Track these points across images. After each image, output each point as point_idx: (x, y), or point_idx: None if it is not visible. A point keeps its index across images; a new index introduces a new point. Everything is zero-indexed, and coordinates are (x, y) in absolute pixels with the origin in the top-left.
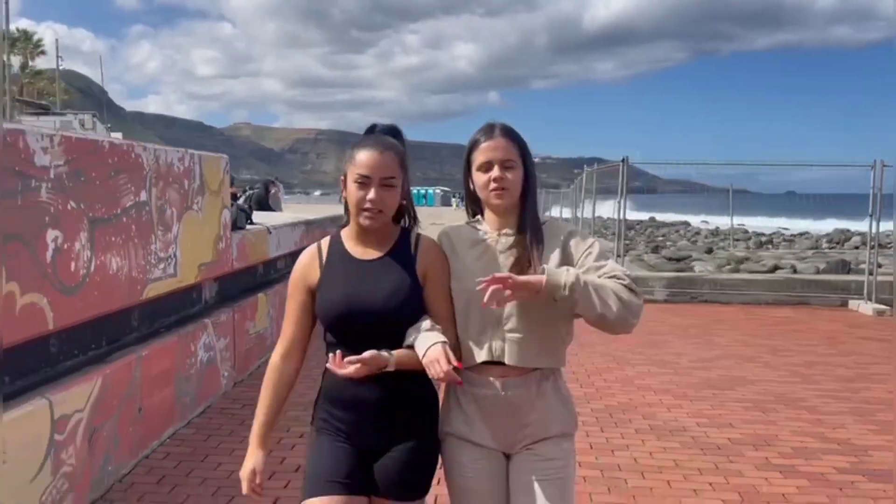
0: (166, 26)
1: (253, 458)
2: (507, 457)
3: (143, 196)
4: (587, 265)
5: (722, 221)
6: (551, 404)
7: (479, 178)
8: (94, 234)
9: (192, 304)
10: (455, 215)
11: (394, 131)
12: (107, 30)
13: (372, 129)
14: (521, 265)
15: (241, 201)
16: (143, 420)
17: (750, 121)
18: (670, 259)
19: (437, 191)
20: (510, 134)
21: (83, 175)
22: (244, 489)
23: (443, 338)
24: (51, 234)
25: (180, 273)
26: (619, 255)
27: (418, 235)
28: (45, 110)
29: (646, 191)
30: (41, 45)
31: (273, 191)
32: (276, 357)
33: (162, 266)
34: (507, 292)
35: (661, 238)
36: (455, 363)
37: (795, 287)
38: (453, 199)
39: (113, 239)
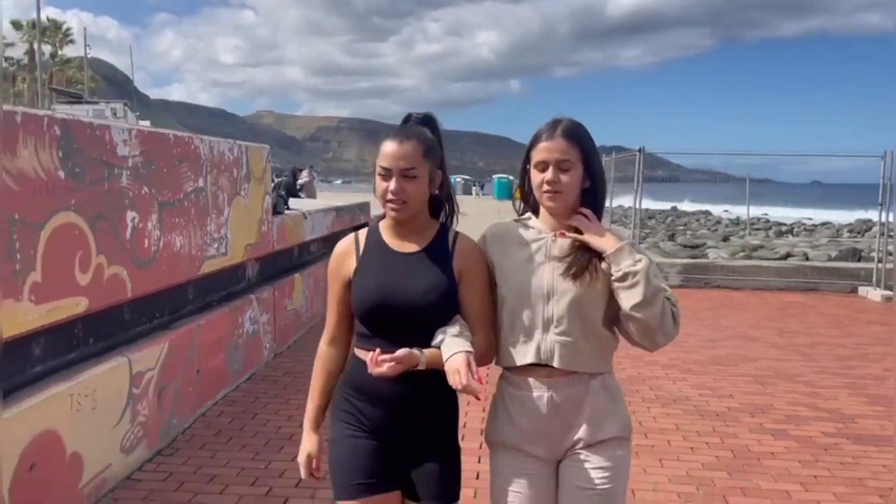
0: (190, 14)
1: (309, 443)
2: (557, 463)
3: (201, 182)
4: None
5: (743, 211)
6: (601, 405)
7: (534, 176)
8: (163, 216)
9: (238, 282)
10: (476, 204)
11: (428, 121)
12: (131, 18)
13: (407, 119)
14: (574, 268)
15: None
16: (200, 381)
17: (776, 109)
18: (686, 246)
19: (458, 179)
20: (572, 134)
21: (154, 164)
22: (303, 474)
23: (468, 346)
24: (129, 214)
25: (230, 252)
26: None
27: (457, 233)
28: (77, 99)
29: (667, 180)
30: (70, 34)
31: (308, 179)
32: (322, 344)
33: (215, 245)
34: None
35: (681, 227)
36: (476, 376)
37: (806, 274)
38: (474, 188)
39: (177, 220)
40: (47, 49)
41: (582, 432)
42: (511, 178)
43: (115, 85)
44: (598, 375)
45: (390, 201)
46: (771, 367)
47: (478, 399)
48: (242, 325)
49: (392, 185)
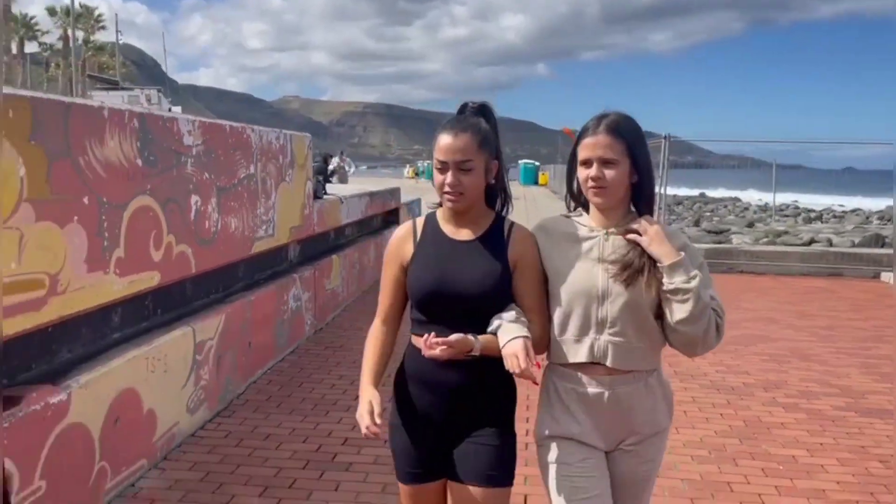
0: None
1: (367, 396)
2: (607, 454)
3: (252, 169)
4: None
5: (777, 198)
6: (657, 401)
7: (580, 173)
8: (220, 199)
9: (282, 262)
10: None
11: (483, 110)
12: (160, 2)
13: (463, 109)
14: (627, 271)
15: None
16: (252, 352)
17: (809, 94)
18: (710, 232)
19: None
20: (615, 130)
21: (213, 152)
22: (362, 428)
23: (525, 332)
24: (193, 198)
25: (276, 234)
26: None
27: (512, 223)
28: (114, 86)
29: (697, 166)
30: (102, 20)
31: (340, 165)
32: (376, 322)
33: (264, 227)
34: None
35: (708, 213)
36: (534, 362)
37: (829, 259)
38: None
39: (232, 203)
40: (80, 35)
41: (637, 426)
42: (536, 163)
43: (145, 70)
44: (653, 371)
45: (447, 193)
46: (787, 347)
47: (535, 384)
48: (287, 301)
49: (449, 177)
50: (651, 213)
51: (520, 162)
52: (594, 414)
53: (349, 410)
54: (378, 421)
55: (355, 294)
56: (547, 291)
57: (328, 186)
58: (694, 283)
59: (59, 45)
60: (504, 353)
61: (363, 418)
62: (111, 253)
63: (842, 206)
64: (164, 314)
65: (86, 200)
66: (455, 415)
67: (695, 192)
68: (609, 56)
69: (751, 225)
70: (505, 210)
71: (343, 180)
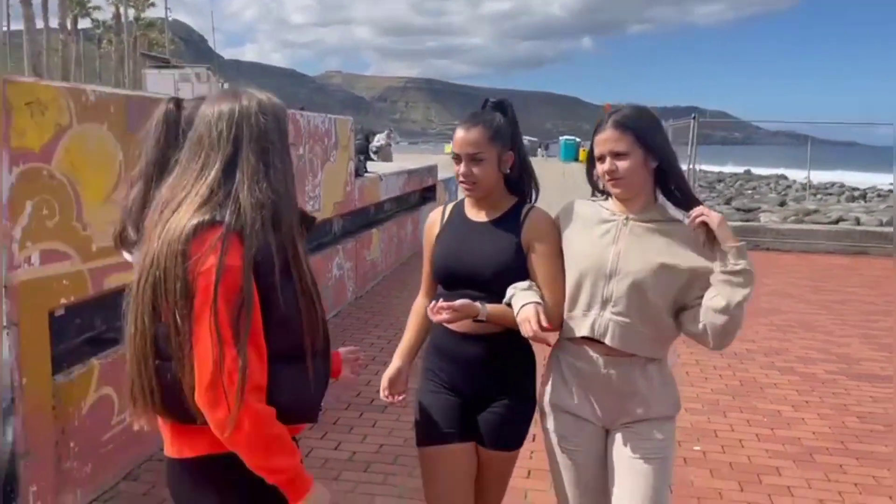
0: None
1: (392, 365)
2: (607, 432)
3: (302, 150)
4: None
5: (823, 176)
6: (655, 388)
7: (598, 168)
8: None
9: (327, 234)
10: (540, 165)
11: (500, 106)
12: None
13: (484, 105)
14: (642, 253)
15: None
16: None
17: (863, 69)
18: (739, 210)
19: (524, 140)
20: (622, 124)
21: None
22: (382, 390)
23: (538, 298)
24: None
25: (322, 209)
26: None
27: (531, 208)
28: (165, 63)
29: (744, 142)
30: None
31: (385, 143)
32: (418, 297)
33: (312, 202)
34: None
35: (749, 191)
36: (545, 325)
37: (855, 238)
38: (539, 150)
39: None
40: (131, 12)
41: (633, 409)
42: (578, 139)
43: (192, 45)
44: (654, 361)
45: (462, 182)
46: (796, 319)
47: (549, 346)
48: (331, 270)
49: (462, 168)
50: (687, 195)
51: (561, 138)
52: (588, 389)
53: (385, 365)
54: (386, 393)
55: (393, 265)
56: (564, 271)
57: (369, 165)
58: (752, 272)
59: (111, 22)
60: (518, 319)
61: (382, 384)
62: None
63: (891, 185)
64: None
65: None
66: (474, 384)
67: (740, 170)
68: (656, 30)
69: (783, 203)
70: (533, 194)
71: (387, 158)
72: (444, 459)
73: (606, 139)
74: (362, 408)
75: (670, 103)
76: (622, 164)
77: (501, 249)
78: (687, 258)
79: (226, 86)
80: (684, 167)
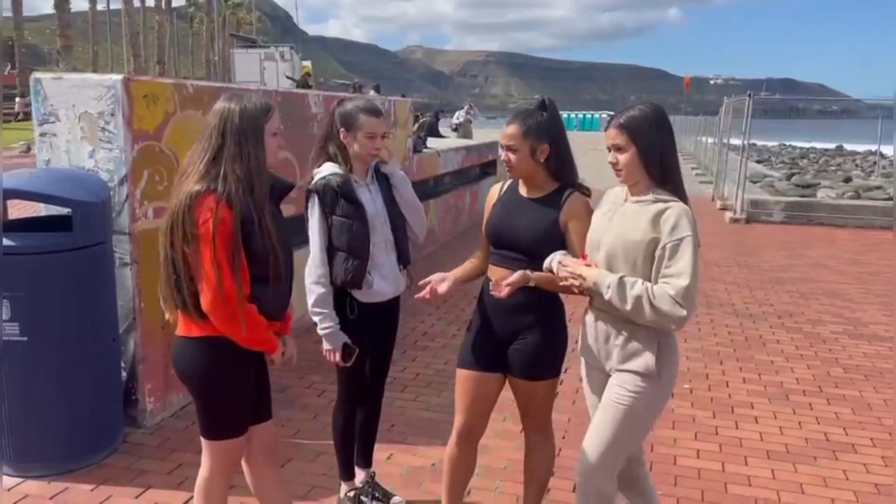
0: None
1: (444, 274)
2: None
3: None
4: (664, 257)
5: (879, 149)
6: (639, 348)
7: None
8: None
9: None
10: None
11: (543, 105)
12: None
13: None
14: (620, 230)
15: (415, 127)
16: None
17: None
18: (798, 185)
19: (603, 115)
20: (620, 125)
21: None
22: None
23: (564, 252)
24: None
25: None
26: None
27: (571, 192)
28: (252, 44)
29: (841, 115)
30: None
31: (465, 119)
32: (477, 251)
33: None
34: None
35: (833, 168)
36: (579, 263)
37: None
38: None
39: None
40: None
41: (614, 358)
42: None
43: (277, 22)
44: (637, 325)
45: (506, 164)
46: (823, 288)
47: (581, 293)
48: None
49: (502, 154)
50: (664, 178)
51: (597, 114)
52: (588, 338)
53: (431, 315)
54: (426, 283)
55: (451, 234)
56: None
57: (436, 141)
58: (609, 295)
59: (202, 0)
60: (552, 269)
61: (429, 279)
62: None
63: None
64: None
65: None
66: (508, 324)
67: (831, 146)
68: None
69: (847, 180)
70: (574, 178)
71: (468, 135)
72: (470, 382)
73: (608, 135)
74: (406, 347)
75: (762, 74)
76: (621, 157)
77: (539, 221)
78: (645, 233)
79: (306, 63)
80: (736, 141)
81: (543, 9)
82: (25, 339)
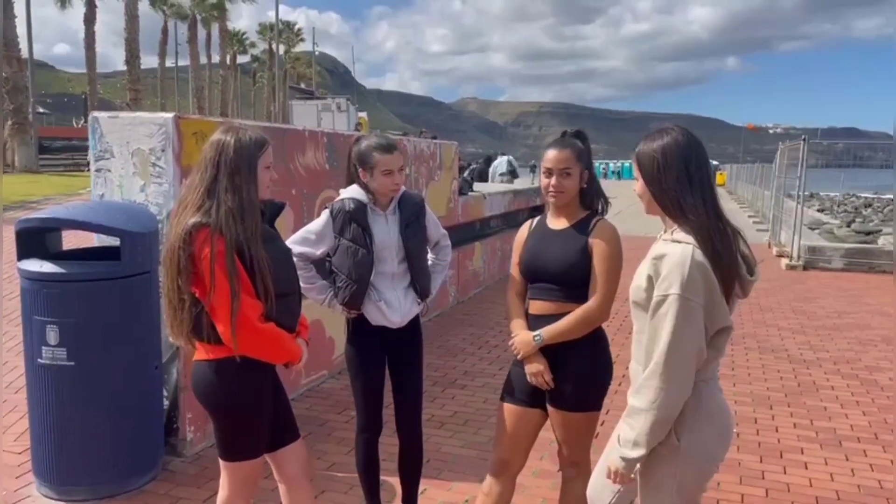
0: (404, 6)
1: (519, 326)
2: None
3: (409, 171)
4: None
5: None
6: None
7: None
8: None
9: None
10: None
11: (579, 135)
12: (353, 12)
13: (564, 134)
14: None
15: (465, 174)
16: None
17: None
18: (858, 232)
19: None
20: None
21: None
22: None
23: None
24: None
25: None
26: (796, 232)
27: (599, 219)
28: (310, 95)
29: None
30: (300, 34)
31: (505, 169)
32: (510, 289)
33: None
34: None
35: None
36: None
37: None
38: None
39: None
40: (282, 48)
41: None
42: (715, 163)
43: (337, 76)
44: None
45: (551, 192)
46: (882, 335)
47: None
48: None
49: (553, 180)
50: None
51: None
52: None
53: (473, 355)
54: (543, 383)
55: (496, 276)
56: (617, 271)
57: (476, 185)
58: (629, 455)
59: (264, 56)
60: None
61: (515, 344)
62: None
63: None
64: None
65: (293, 192)
66: (553, 356)
67: None
68: (810, 46)
69: None
70: (602, 208)
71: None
72: (511, 416)
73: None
74: (445, 385)
75: (825, 124)
76: (637, 187)
77: (570, 250)
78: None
79: (362, 114)
80: (835, 191)
81: (600, 60)
82: (73, 363)
